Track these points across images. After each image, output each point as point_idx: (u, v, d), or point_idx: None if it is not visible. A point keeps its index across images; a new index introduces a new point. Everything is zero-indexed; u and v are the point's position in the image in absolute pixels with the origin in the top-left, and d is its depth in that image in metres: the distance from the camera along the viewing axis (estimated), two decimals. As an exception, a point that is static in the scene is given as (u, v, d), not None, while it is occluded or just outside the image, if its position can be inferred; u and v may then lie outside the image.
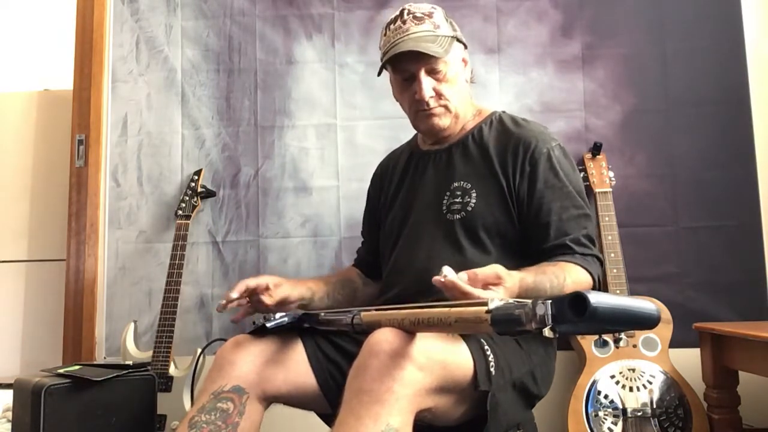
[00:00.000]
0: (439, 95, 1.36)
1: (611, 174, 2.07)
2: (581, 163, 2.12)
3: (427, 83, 1.34)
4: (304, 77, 2.30)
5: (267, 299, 1.31)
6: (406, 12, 1.35)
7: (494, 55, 2.25)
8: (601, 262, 1.31)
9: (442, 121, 1.39)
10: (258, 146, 2.28)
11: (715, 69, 2.18)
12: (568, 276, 1.20)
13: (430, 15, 1.35)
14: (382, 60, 1.37)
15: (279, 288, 1.32)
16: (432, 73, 1.34)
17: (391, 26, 1.37)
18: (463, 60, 1.41)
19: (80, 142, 2.31)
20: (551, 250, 1.27)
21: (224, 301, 1.28)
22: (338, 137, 2.26)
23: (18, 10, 3.02)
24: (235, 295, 1.28)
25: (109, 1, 2.36)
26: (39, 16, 3.02)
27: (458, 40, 1.38)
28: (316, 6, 2.32)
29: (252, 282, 1.30)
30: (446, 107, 1.37)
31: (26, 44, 2.99)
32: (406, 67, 1.35)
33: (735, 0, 2.20)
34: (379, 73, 1.42)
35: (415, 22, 1.33)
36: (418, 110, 1.38)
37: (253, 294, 1.31)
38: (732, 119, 2.16)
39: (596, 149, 2.08)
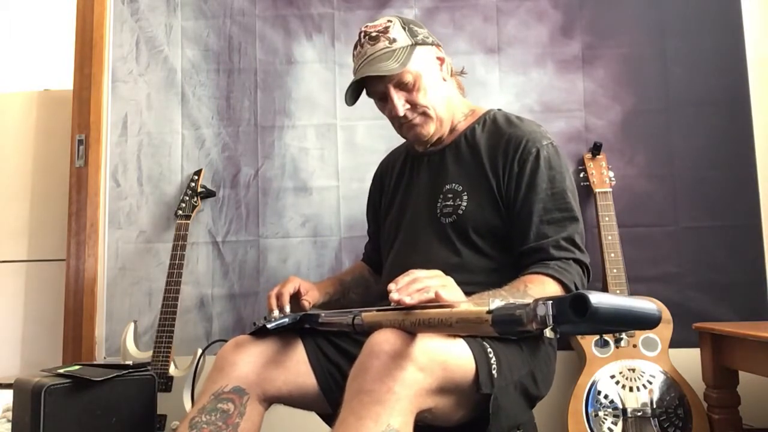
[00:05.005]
0: (414, 105, 1.36)
1: (611, 174, 2.07)
2: (581, 163, 2.12)
3: (397, 98, 1.34)
4: (304, 77, 2.30)
5: (306, 304, 1.37)
6: (362, 35, 1.36)
7: (494, 55, 2.25)
8: (587, 266, 1.28)
9: (426, 129, 1.39)
10: (258, 146, 2.28)
11: (715, 69, 2.18)
12: (531, 288, 1.17)
13: (385, 31, 1.34)
14: (346, 91, 1.39)
15: (309, 293, 1.39)
16: (401, 86, 1.34)
17: (354, 53, 1.39)
18: (438, 59, 1.39)
19: (80, 142, 2.31)
20: (529, 253, 1.27)
21: (277, 313, 1.31)
22: (338, 137, 2.26)
23: (18, 10, 3.02)
24: (288, 308, 1.32)
25: (109, 1, 2.36)
26: (39, 16, 3.01)
27: (423, 44, 1.35)
28: (316, 6, 2.31)
29: (291, 288, 1.36)
30: (425, 114, 1.37)
31: (26, 44, 2.99)
32: (374, 90, 1.37)
33: (735, 0, 2.20)
34: (350, 103, 1.41)
35: (371, 43, 1.34)
36: (401, 124, 1.40)
37: (292, 299, 1.36)
38: (732, 119, 2.16)
39: (596, 149, 2.08)
